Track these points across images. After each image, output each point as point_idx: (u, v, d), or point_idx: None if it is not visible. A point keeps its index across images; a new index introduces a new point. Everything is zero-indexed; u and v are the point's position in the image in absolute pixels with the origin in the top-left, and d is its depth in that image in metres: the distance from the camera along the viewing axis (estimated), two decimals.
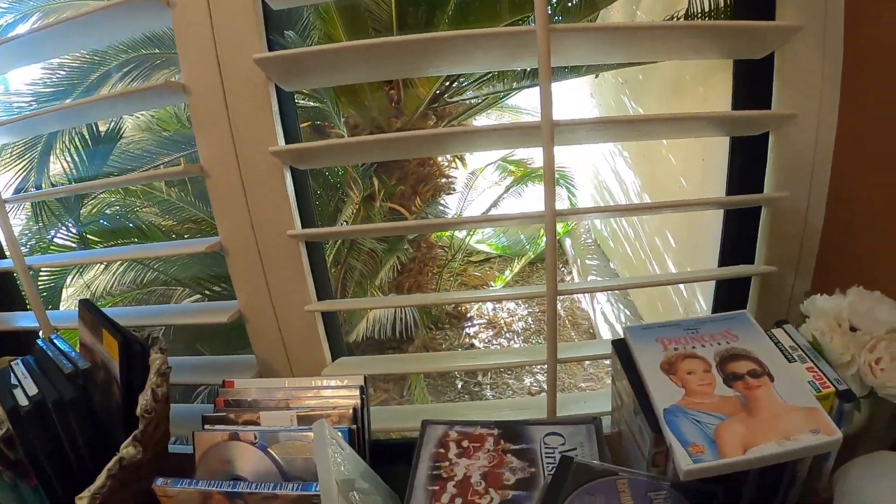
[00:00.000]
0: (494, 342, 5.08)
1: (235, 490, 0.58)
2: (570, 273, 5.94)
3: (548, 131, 0.65)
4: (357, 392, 0.70)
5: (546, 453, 0.63)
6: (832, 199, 0.70)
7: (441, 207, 4.54)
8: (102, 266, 3.07)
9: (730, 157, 0.81)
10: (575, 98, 5.82)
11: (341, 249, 3.78)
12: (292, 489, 0.58)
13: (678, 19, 2.33)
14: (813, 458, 0.51)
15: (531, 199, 5.09)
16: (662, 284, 0.97)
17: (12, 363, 0.68)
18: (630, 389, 0.57)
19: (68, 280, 3.08)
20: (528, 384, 4.40)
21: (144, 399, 0.61)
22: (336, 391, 0.71)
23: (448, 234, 5.21)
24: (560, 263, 5.96)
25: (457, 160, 5.27)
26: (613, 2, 3.19)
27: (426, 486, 0.60)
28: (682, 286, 3.05)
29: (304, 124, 3.53)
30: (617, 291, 4.30)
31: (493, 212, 4.89)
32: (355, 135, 3.62)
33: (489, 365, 0.81)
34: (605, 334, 4.55)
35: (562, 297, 0.75)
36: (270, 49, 0.70)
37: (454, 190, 4.86)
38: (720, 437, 0.47)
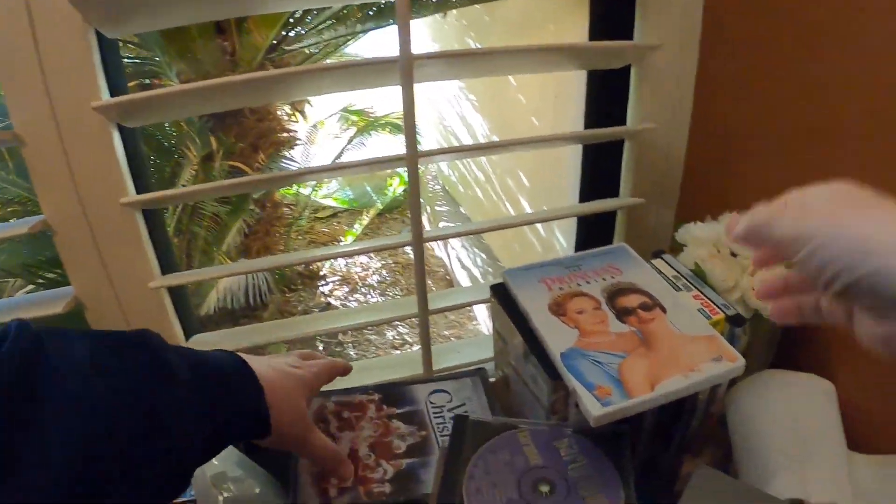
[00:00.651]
0: (351, 298, 5.00)
1: None
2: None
3: (407, 67, 0.58)
4: None
5: (434, 413, 0.58)
6: (695, 128, 0.72)
7: (285, 162, 4.26)
8: None
9: (588, 91, 0.79)
10: (415, 45, 5.68)
11: (182, 217, 3.45)
12: None
13: None
14: None
15: (375, 149, 4.97)
16: (529, 223, 0.96)
17: None
18: (517, 333, 0.53)
19: None
20: (391, 338, 4.43)
21: None
22: None
23: (293, 190, 4.92)
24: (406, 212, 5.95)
25: (297, 113, 4.96)
26: None
27: (312, 469, 0.52)
28: (539, 225, 3.05)
29: (132, 83, 3.15)
30: (472, 236, 4.42)
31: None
32: None
33: (357, 325, 0.75)
34: (464, 280, 4.67)
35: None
36: None
37: (297, 143, 4.58)
38: (624, 376, 0.44)
